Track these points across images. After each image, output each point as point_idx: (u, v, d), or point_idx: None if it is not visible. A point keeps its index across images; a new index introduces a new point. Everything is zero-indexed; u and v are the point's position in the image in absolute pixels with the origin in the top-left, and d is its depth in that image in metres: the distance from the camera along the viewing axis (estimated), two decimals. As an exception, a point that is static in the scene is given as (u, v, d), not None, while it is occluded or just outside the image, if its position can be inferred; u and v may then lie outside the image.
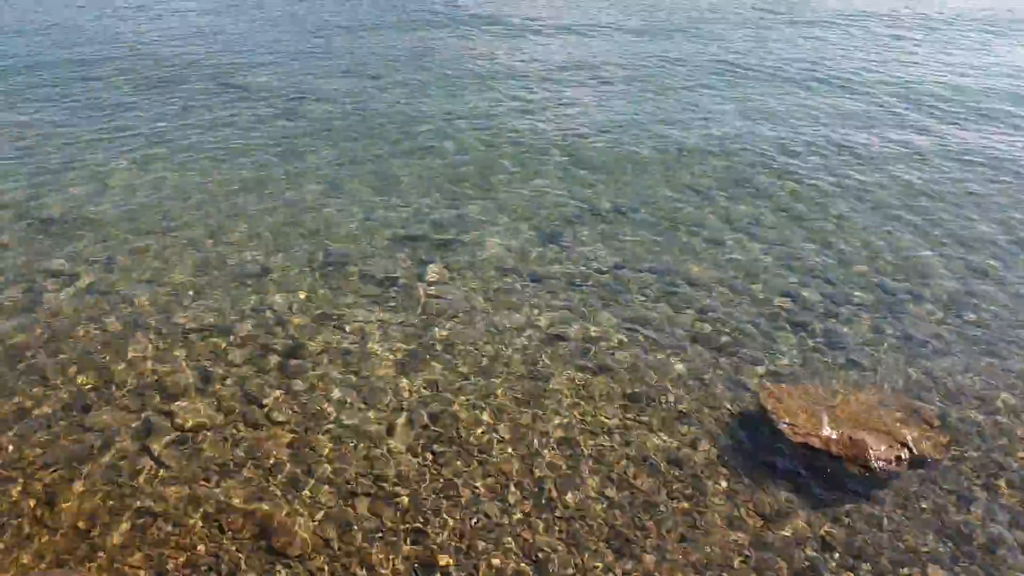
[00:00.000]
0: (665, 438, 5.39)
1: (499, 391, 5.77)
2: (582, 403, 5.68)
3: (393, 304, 6.78)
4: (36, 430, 5.23)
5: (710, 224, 8.24)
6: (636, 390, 5.82)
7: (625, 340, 6.36)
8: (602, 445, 5.31)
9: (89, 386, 5.67)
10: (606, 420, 5.53)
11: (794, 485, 5.01)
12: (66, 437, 5.18)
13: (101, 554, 4.37)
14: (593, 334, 6.43)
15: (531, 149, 10.06)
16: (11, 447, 5.08)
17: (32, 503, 4.68)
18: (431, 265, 7.34)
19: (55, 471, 4.91)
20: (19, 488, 4.77)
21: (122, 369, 5.85)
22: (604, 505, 4.84)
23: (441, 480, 4.95)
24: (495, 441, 5.30)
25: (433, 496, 4.83)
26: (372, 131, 10.59)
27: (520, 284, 7.10)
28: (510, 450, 5.22)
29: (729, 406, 5.68)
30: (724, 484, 5.02)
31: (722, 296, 6.98)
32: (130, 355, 6.00)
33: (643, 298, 6.93)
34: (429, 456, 5.15)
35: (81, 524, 4.56)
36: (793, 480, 5.05)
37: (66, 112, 10.99)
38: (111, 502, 4.71)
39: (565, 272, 7.30)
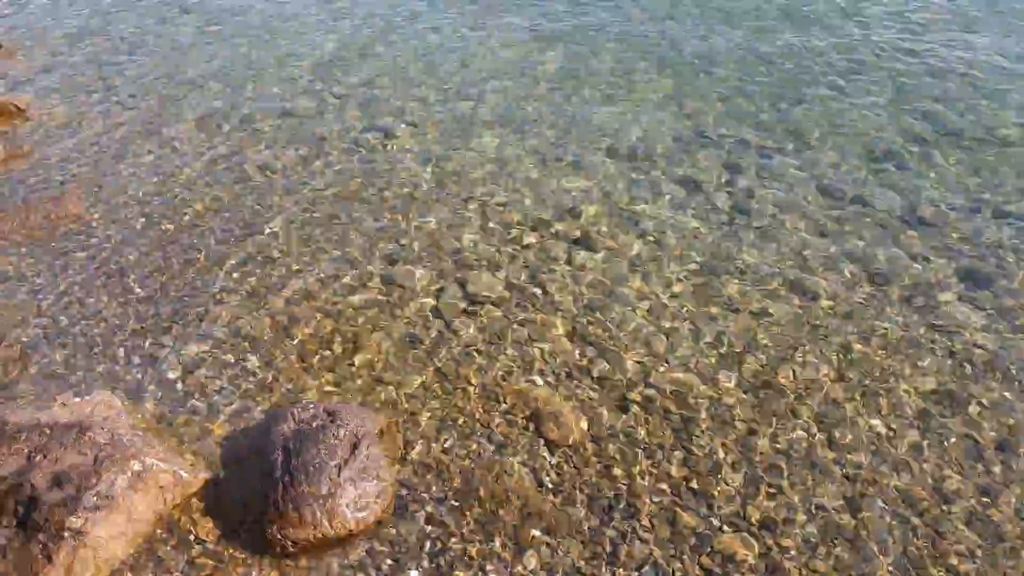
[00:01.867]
0: None
1: (810, 327, 5.20)
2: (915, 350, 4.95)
3: (695, 209, 6.34)
4: (352, 279, 5.66)
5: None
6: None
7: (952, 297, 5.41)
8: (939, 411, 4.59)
9: (395, 246, 6.00)
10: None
11: None
12: (374, 288, 5.56)
13: (384, 396, 4.67)
14: (923, 279, 5.53)
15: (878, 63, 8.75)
16: (329, 289, 5.55)
17: (340, 340, 5.10)
18: (742, 175, 6.74)
19: (362, 317, 5.29)
20: (332, 325, 5.22)
21: (425, 232, 6.12)
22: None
23: (721, 406, 4.60)
24: (808, 379, 4.80)
25: (711, 422, 4.51)
26: (711, 30, 9.88)
27: (837, 211, 6.27)
28: (818, 391, 4.71)
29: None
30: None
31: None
32: (432, 220, 6.25)
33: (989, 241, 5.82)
34: (708, 375, 4.80)
35: (376, 368, 4.89)
36: None
37: None
38: (402, 353, 4.99)
39: (904, 204, 6.32)
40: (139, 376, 4.77)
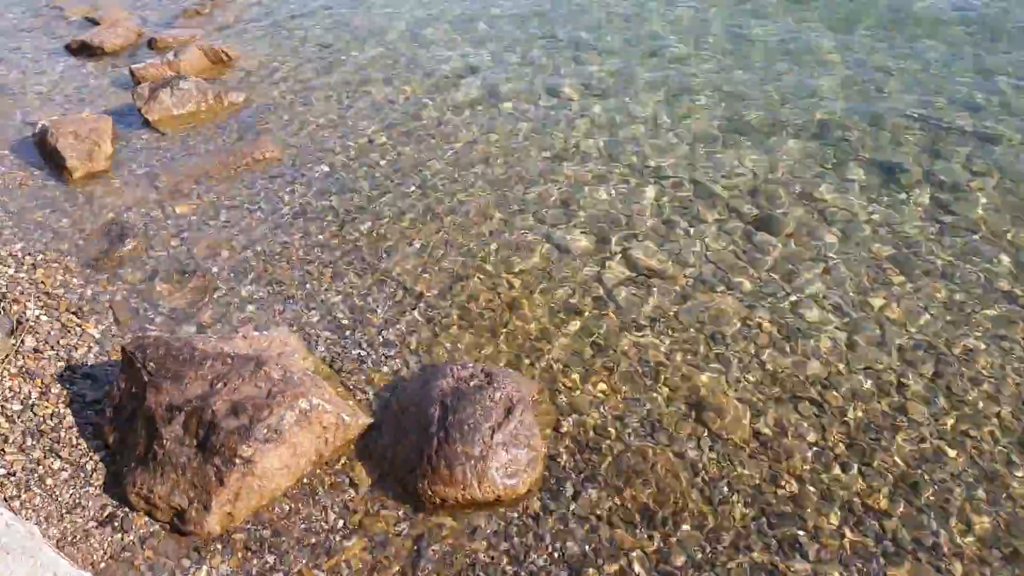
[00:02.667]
0: None
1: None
2: None
3: (890, 198, 5.76)
4: (518, 242, 5.62)
5: None
6: None
7: None
8: None
9: (559, 210, 5.89)
10: None
11: None
12: (538, 251, 5.49)
13: (540, 364, 4.60)
14: None
15: None
16: (494, 249, 5.54)
17: (501, 302, 5.08)
18: (949, 163, 6.04)
19: (524, 280, 5.25)
20: (495, 287, 5.21)
21: (588, 199, 5.96)
22: None
23: (899, 416, 4.16)
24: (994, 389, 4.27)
25: (894, 432, 4.09)
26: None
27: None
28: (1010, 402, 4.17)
29: None
30: None
31: None
32: (602, 189, 6.07)
33: None
34: (894, 381, 4.35)
35: (534, 334, 4.83)
36: None
37: None
38: (561, 322, 4.90)
39: None
40: (314, 318, 4.99)
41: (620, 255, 5.40)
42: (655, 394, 4.36)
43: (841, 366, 4.47)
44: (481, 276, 5.29)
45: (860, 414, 4.18)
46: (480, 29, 8.80)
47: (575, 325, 4.86)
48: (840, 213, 5.68)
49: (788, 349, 4.61)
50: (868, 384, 4.35)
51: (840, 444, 4.02)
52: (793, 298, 4.97)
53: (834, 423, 4.14)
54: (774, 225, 5.60)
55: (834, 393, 4.31)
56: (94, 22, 9.73)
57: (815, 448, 4.01)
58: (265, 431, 3.71)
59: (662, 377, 4.46)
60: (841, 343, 4.62)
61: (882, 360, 4.49)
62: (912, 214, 5.60)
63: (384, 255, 5.51)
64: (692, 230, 5.60)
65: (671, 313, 4.92)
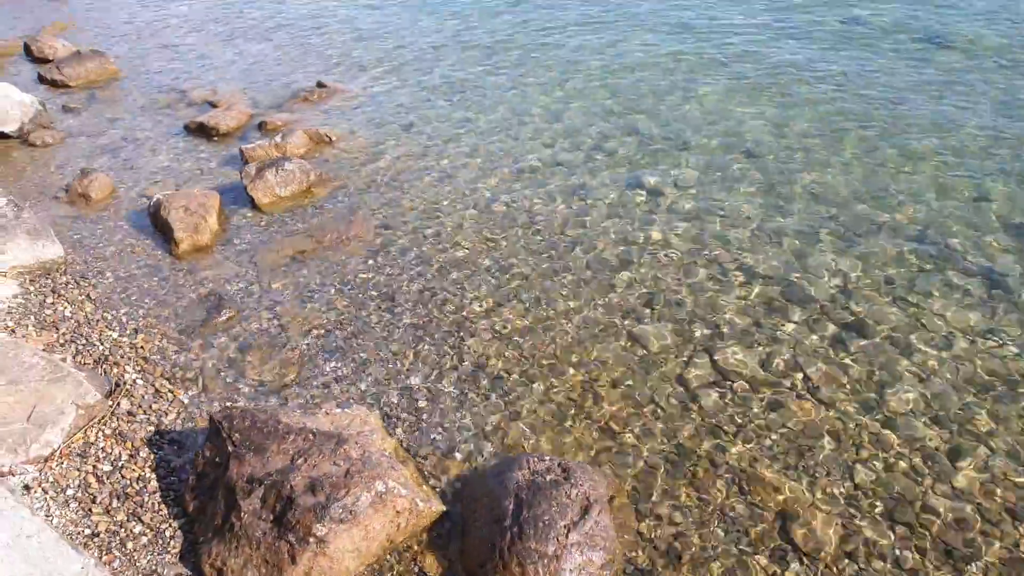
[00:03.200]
0: None
1: None
2: None
3: (992, 311, 5.49)
4: (601, 332, 5.59)
5: None
6: None
7: None
8: None
9: (645, 298, 5.85)
10: None
11: None
12: (621, 344, 5.44)
13: (618, 460, 4.47)
14: None
15: None
16: (582, 339, 5.53)
17: (580, 393, 5.02)
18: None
19: (605, 372, 5.19)
20: (575, 376, 5.16)
21: (679, 294, 5.89)
22: None
23: (1013, 549, 3.85)
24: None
25: (978, 557, 3.78)
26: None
27: None
28: None
29: None
30: None
31: None
32: (687, 283, 6.01)
33: None
34: (998, 505, 4.04)
35: (613, 428, 4.73)
36: None
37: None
38: (641, 418, 4.79)
39: None
40: (394, 398, 5.04)
41: (705, 354, 5.29)
42: (739, 503, 4.17)
43: (940, 487, 4.19)
44: (563, 366, 5.26)
45: (959, 541, 3.88)
46: (568, 124, 9.02)
47: (657, 424, 4.75)
48: (938, 321, 5.44)
49: (880, 464, 4.36)
50: (968, 509, 4.06)
51: (934, 572, 3.73)
52: (887, 410, 4.73)
53: (930, 549, 3.85)
54: (868, 330, 5.40)
55: (931, 517, 4.03)
56: (212, 105, 10.46)
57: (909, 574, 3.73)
58: (340, 511, 3.71)
59: (747, 485, 4.27)
60: (940, 461, 4.35)
61: (981, 481, 4.19)
62: (1017, 326, 5.31)
63: (466, 339, 5.56)
64: (781, 333, 5.45)
65: (757, 419, 4.74)
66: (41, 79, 12.16)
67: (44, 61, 12.92)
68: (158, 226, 7.21)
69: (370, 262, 6.58)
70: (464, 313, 5.85)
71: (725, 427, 4.69)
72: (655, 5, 13.42)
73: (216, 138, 9.45)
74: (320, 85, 10.79)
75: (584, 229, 6.84)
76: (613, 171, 7.82)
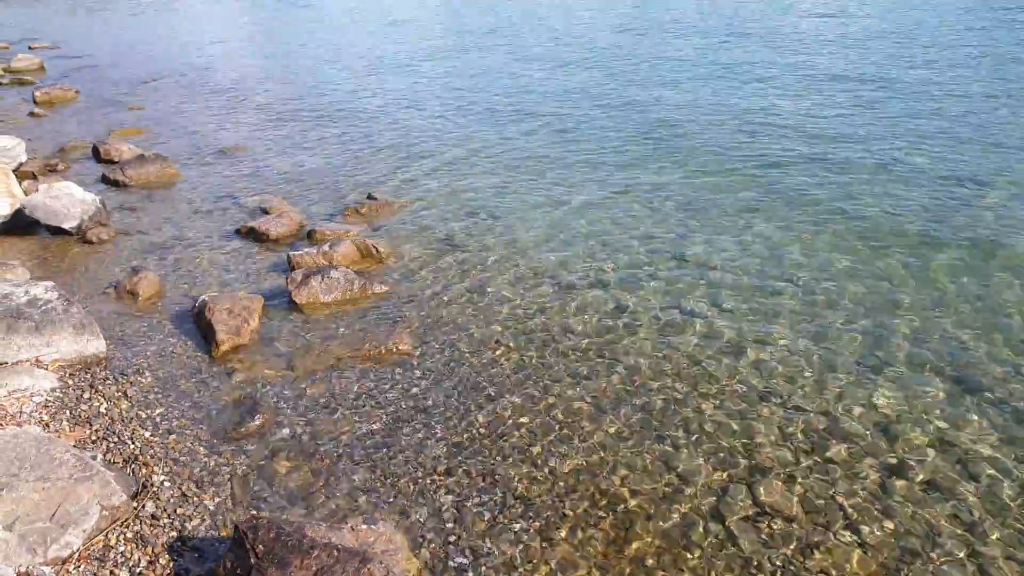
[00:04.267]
0: None
1: None
2: None
3: (1046, 457, 5.31)
4: (633, 462, 5.49)
5: None
6: None
7: None
8: None
9: (681, 432, 5.75)
10: None
11: None
12: (656, 473, 5.32)
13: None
14: None
15: None
16: (610, 468, 5.43)
17: (611, 523, 4.88)
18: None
19: (637, 502, 5.05)
20: (607, 506, 5.04)
21: (717, 425, 5.80)
22: None
23: None
24: None
25: None
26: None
27: None
28: None
29: None
30: None
31: None
32: (723, 413, 5.92)
33: None
34: None
35: (646, 562, 4.57)
36: None
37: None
38: (674, 552, 4.62)
39: None
40: (421, 516, 4.95)
41: (745, 488, 5.14)
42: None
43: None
44: (596, 492, 5.14)
45: None
46: (610, 243, 9.18)
47: (692, 559, 4.57)
48: (983, 465, 5.25)
49: (932, 620, 4.12)
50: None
51: None
52: (932, 557, 4.51)
53: None
54: (909, 472, 5.22)
55: None
56: (265, 211, 10.88)
57: None
58: (360, 636, 3.59)
59: (785, 634, 4.06)
60: (995, 621, 4.10)
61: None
62: (1073, 479, 5.10)
63: (498, 458, 5.49)
64: (820, 470, 5.29)
65: (796, 556, 4.55)
66: (104, 179, 12.83)
67: (110, 162, 13.67)
68: (201, 326, 7.37)
69: (408, 374, 6.61)
70: (499, 432, 5.80)
71: (766, 565, 4.49)
72: (666, 132, 13.86)
73: (266, 243, 9.78)
74: (370, 197, 11.20)
75: (620, 349, 6.82)
76: (653, 293, 7.87)
